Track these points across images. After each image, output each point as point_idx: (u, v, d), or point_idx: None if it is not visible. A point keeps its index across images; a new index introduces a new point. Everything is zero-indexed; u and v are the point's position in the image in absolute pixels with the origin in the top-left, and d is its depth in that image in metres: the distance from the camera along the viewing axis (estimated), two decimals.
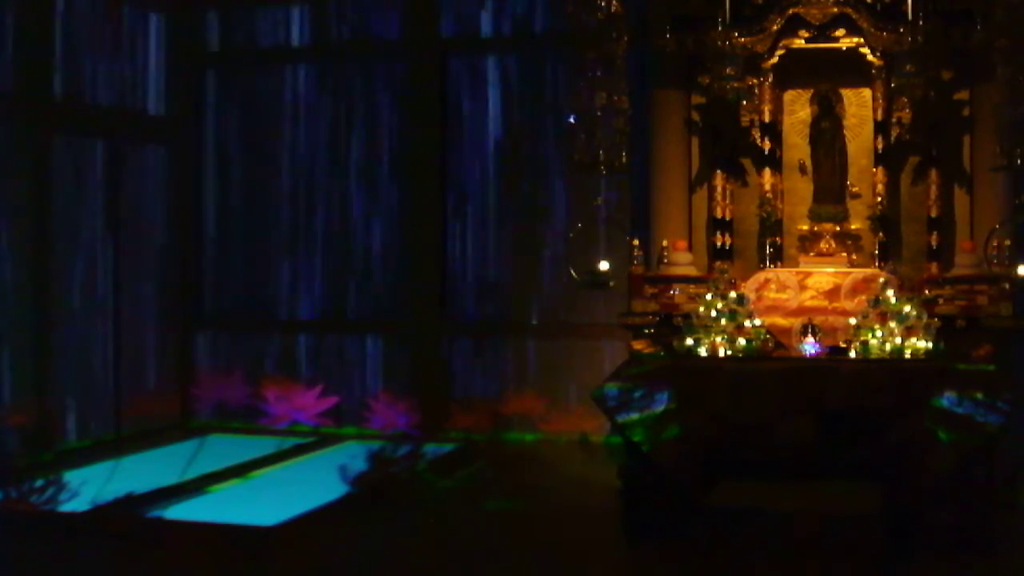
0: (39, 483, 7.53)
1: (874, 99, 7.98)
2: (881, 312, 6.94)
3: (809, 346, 7.08)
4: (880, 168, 7.92)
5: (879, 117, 7.93)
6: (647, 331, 7.84)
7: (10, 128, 9.13)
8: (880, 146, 7.92)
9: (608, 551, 6.70)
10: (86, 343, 9.74)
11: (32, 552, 6.61)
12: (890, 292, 6.98)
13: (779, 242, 8.09)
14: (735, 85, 7.66)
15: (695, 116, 8.28)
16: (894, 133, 7.77)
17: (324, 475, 7.99)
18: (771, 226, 8.04)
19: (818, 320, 7.27)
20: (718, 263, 7.98)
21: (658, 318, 7.88)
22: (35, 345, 9.20)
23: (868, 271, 7.68)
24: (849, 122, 8.16)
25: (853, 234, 8.03)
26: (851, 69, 7.99)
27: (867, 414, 6.48)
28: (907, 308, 6.91)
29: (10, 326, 9.04)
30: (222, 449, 9.35)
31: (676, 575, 6.26)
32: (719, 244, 8.15)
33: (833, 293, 7.56)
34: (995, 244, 7.48)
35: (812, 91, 8.19)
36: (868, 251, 7.98)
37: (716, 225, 8.17)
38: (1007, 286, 7.41)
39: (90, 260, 9.81)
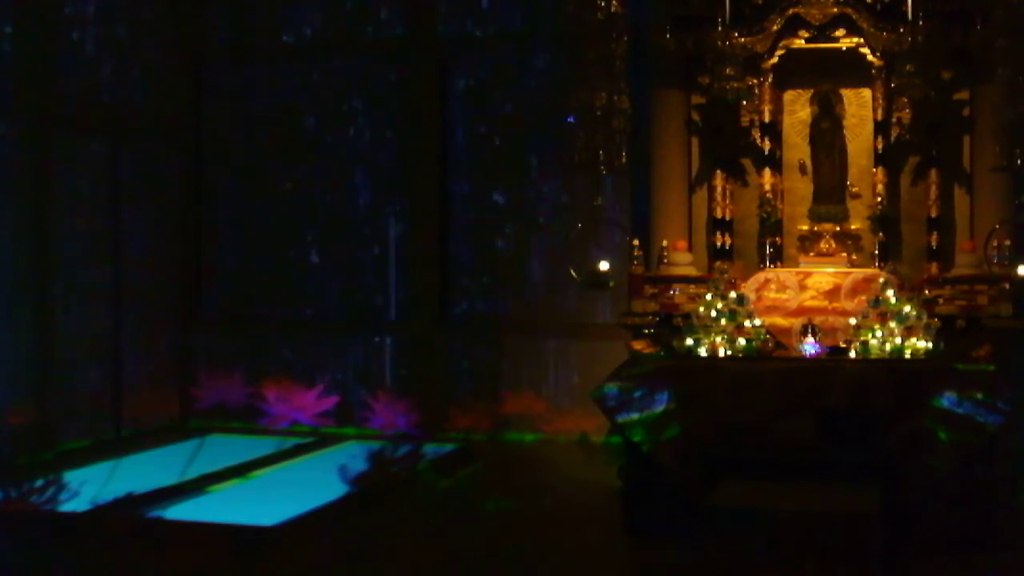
0: (39, 483, 7.52)
1: (874, 99, 7.99)
2: (881, 312, 6.95)
3: (809, 346, 7.09)
4: (880, 168, 7.92)
5: (879, 117, 7.94)
6: (647, 331, 7.84)
7: (10, 126, 9.13)
8: (880, 146, 7.93)
9: (608, 551, 6.70)
10: (86, 343, 9.73)
11: (32, 552, 6.61)
12: (890, 292, 6.98)
13: (779, 242, 8.10)
14: (735, 85, 7.66)
15: (695, 116, 8.29)
16: (894, 133, 7.78)
17: (324, 475, 7.99)
18: (771, 226, 8.05)
19: (818, 320, 7.28)
20: (718, 263, 7.98)
21: (658, 318, 7.88)
22: (35, 345, 9.19)
23: (868, 271, 7.68)
24: (849, 122, 8.17)
25: (853, 234, 8.03)
26: (851, 69, 8.00)
27: (867, 414, 6.48)
28: (907, 308, 6.92)
29: (10, 325, 9.03)
30: (222, 449, 9.34)
31: (676, 575, 6.26)
32: (719, 244, 8.16)
33: (833, 293, 7.56)
34: (995, 244, 7.48)
35: (812, 91, 8.20)
36: (868, 251, 7.98)
37: (716, 225, 8.18)
38: (1007, 286, 7.42)
39: (90, 259, 9.80)
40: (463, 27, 10.28)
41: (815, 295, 7.59)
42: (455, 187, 10.28)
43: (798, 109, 8.27)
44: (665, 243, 8.09)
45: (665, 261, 8.04)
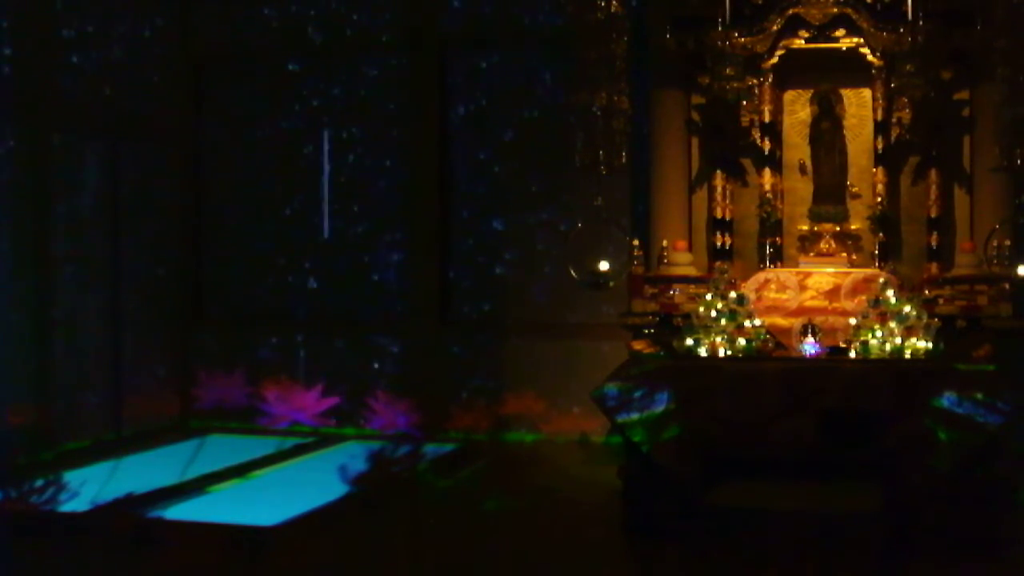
0: (39, 483, 7.53)
1: (874, 99, 7.99)
2: (881, 312, 6.95)
3: (809, 346, 7.09)
4: (880, 168, 7.93)
5: (879, 117, 7.94)
6: (647, 331, 7.84)
7: (10, 127, 9.12)
8: (880, 146, 7.93)
9: (608, 551, 6.70)
10: (86, 343, 9.73)
11: (32, 552, 6.61)
12: (890, 292, 6.98)
13: (779, 242, 8.10)
14: (735, 85, 7.67)
15: (695, 116, 8.29)
16: (894, 133, 7.78)
17: (324, 475, 7.99)
18: (771, 226, 8.05)
19: (818, 320, 7.28)
20: (718, 263, 7.98)
21: (658, 318, 7.89)
22: (35, 345, 9.19)
23: (868, 271, 7.69)
24: (849, 122, 8.18)
25: (853, 234, 8.04)
26: (851, 69, 8.00)
27: (867, 414, 6.48)
28: (907, 308, 6.92)
29: (10, 326, 9.03)
30: (222, 449, 9.34)
31: (676, 575, 6.26)
32: (719, 244, 8.16)
33: (833, 293, 7.57)
34: (995, 244, 7.48)
35: (812, 91, 8.21)
36: (868, 251, 7.98)
37: (716, 225, 8.18)
38: (1007, 286, 7.43)
39: (90, 260, 9.80)
40: (463, 26, 10.25)
41: (815, 295, 7.59)
42: (455, 186, 10.26)
43: (798, 109, 8.27)
44: (665, 243, 8.09)
45: (665, 261, 8.05)
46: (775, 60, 7.94)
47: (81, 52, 9.69)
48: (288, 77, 10.70)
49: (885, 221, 7.89)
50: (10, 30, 9.11)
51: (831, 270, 7.75)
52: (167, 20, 10.54)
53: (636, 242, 8.05)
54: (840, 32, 7.82)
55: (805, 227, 8.10)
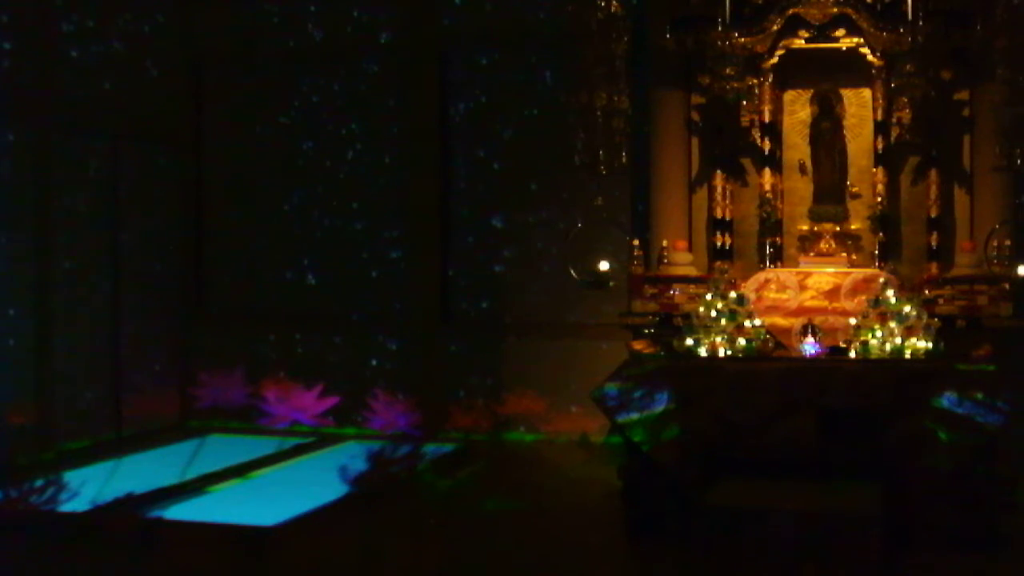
0: (39, 483, 7.51)
1: (874, 99, 7.99)
2: (881, 312, 6.96)
3: (809, 346, 7.09)
4: (880, 168, 7.93)
5: (879, 117, 7.94)
6: (647, 331, 7.85)
7: (10, 124, 9.12)
8: (880, 146, 7.93)
9: (608, 551, 6.70)
10: (86, 343, 9.73)
11: (32, 552, 6.61)
12: (890, 292, 6.99)
13: (779, 242, 8.10)
14: (735, 85, 7.67)
15: (695, 116, 8.29)
16: (894, 133, 7.78)
17: (324, 475, 7.97)
18: (771, 226, 8.05)
19: (818, 320, 7.28)
20: (718, 263, 7.99)
21: (658, 318, 7.89)
22: (35, 345, 9.19)
23: (868, 271, 7.69)
24: (849, 122, 8.18)
25: (853, 234, 8.04)
26: (851, 69, 8.01)
27: (867, 414, 6.49)
28: (907, 308, 6.93)
29: (10, 326, 9.03)
30: (222, 449, 9.34)
31: (676, 575, 6.26)
32: (719, 244, 8.16)
33: (833, 293, 7.57)
34: (995, 244, 7.49)
35: (812, 91, 8.21)
36: (868, 251, 7.99)
37: (716, 225, 8.19)
38: (1007, 286, 7.43)
39: (90, 259, 9.80)
40: (463, 26, 10.24)
41: (815, 295, 7.59)
42: (455, 186, 10.25)
43: (798, 109, 8.27)
44: (665, 243, 8.10)
45: (665, 261, 8.05)
46: (775, 60, 7.95)
47: (81, 49, 9.68)
48: (288, 74, 10.69)
49: (885, 221, 7.89)
50: (10, 26, 9.10)
51: (831, 270, 7.75)
52: (167, 17, 10.53)
53: (636, 242, 8.06)
54: (840, 32, 7.83)
55: (805, 227, 8.11)
